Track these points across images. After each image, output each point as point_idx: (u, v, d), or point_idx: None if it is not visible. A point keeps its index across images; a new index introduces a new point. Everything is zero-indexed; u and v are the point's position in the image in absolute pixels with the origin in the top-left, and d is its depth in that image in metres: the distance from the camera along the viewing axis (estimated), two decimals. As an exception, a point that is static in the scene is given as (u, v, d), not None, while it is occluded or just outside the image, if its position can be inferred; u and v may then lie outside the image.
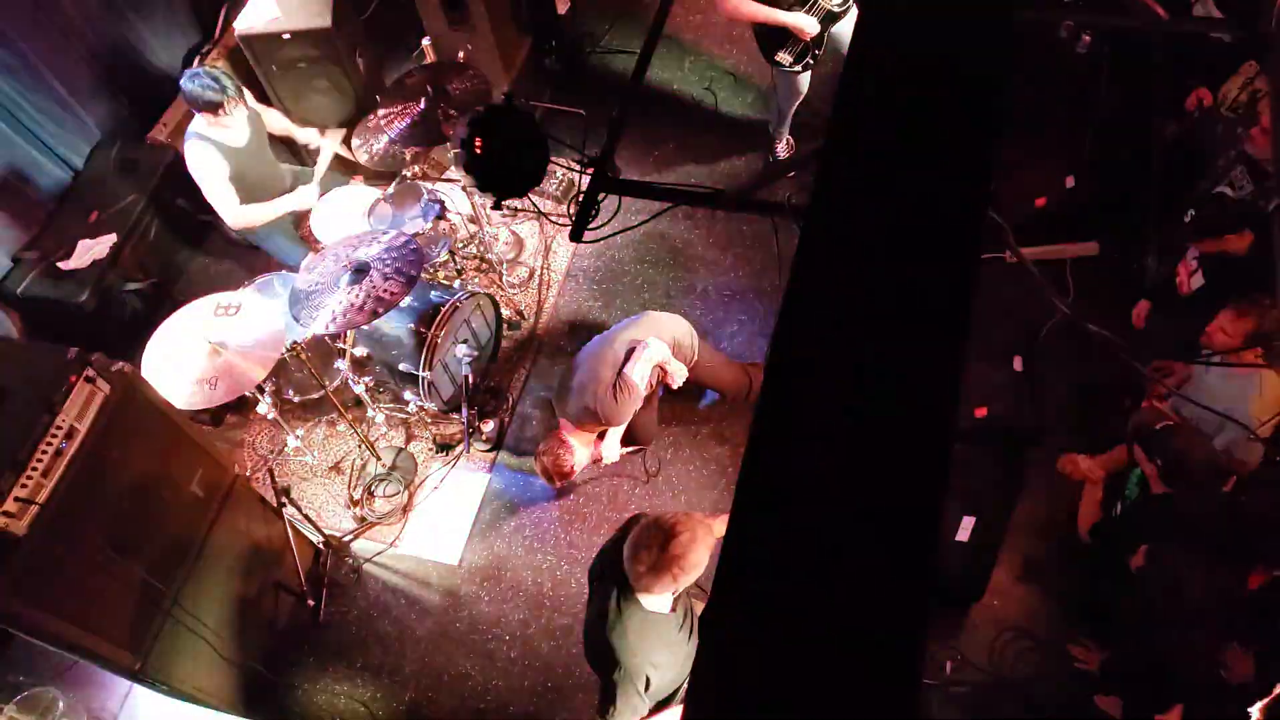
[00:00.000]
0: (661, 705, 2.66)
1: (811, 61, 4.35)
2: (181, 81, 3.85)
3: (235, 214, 4.06)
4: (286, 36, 4.58)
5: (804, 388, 1.38)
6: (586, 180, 2.00)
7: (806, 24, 4.08)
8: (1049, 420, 3.62)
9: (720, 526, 2.93)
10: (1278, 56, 1.87)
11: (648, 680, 2.51)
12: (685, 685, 2.69)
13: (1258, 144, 3.45)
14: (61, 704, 3.70)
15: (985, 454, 3.33)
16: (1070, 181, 4.08)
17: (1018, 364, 3.53)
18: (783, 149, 5.00)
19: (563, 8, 5.40)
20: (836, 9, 4.10)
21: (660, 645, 2.54)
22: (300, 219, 4.40)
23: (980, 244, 1.51)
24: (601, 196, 1.93)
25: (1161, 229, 3.88)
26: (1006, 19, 1.63)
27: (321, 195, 4.30)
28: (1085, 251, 3.80)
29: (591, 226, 1.94)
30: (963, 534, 3.39)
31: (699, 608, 2.75)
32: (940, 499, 1.26)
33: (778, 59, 4.32)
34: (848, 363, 1.39)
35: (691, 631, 2.68)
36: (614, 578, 2.54)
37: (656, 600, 2.51)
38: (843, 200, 1.55)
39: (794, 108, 4.74)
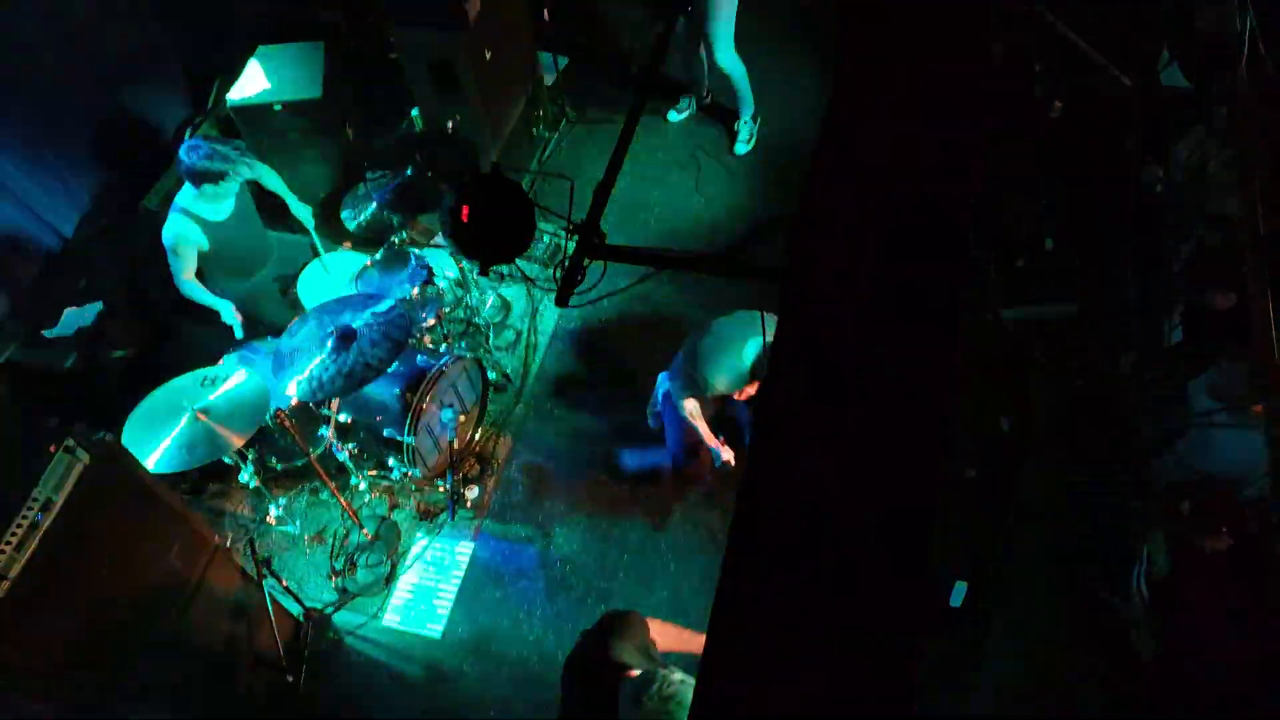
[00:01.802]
0: None
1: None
2: (180, 153, 3.87)
3: (180, 281, 4.07)
4: (278, 108, 4.65)
5: (791, 452, 1.37)
6: (573, 245, 2.01)
7: None
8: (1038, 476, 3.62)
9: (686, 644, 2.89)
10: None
11: None
12: None
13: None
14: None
15: (975, 515, 3.31)
16: (1049, 244, 4.15)
17: (1004, 425, 3.54)
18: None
19: (549, 79, 5.53)
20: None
21: None
22: (285, 285, 4.41)
23: (962, 304, 1.52)
24: (587, 261, 1.94)
25: (1142, 284, 3.93)
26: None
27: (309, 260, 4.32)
28: (1064, 311, 3.86)
29: (578, 290, 1.95)
30: (956, 598, 3.35)
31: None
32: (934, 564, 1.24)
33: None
34: (833, 428, 1.39)
35: None
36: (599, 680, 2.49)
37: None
38: (820, 266, 1.57)
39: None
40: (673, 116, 5.51)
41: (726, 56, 4.96)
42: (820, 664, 1.15)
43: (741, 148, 5.38)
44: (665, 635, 2.88)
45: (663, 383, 4.27)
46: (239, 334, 4.18)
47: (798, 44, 5.89)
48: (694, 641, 2.92)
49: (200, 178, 3.85)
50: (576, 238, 2.01)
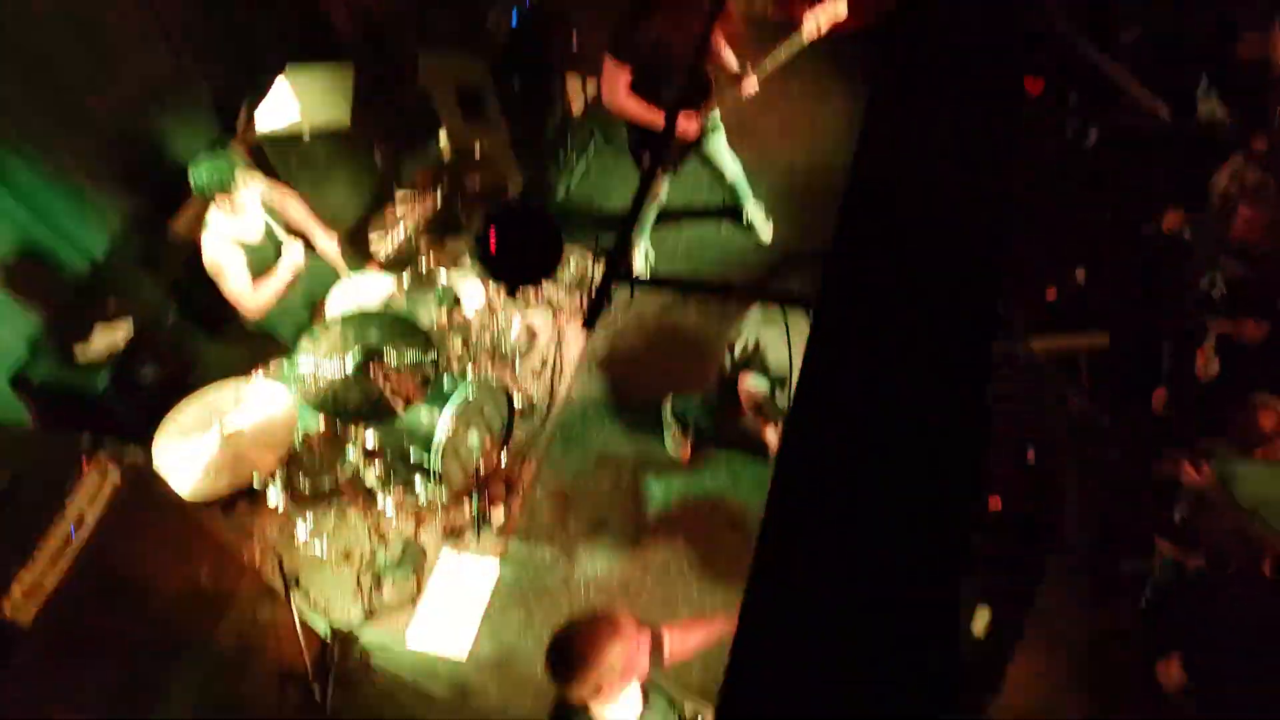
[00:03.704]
0: None
1: (672, 175, 4.48)
2: (189, 172, 3.96)
3: (252, 302, 4.12)
4: (306, 138, 4.74)
5: (817, 479, 1.37)
6: (600, 270, 2.04)
7: (685, 129, 4.17)
8: (1066, 511, 3.58)
9: (687, 640, 2.84)
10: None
11: None
12: None
13: (1248, 226, 3.48)
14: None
15: (1002, 544, 3.28)
16: (1081, 275, 4.12)
17: (1030, 456, 3.50)
18: (640, 258, 4.81)
19: (577, 107, 5.58)
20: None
21: None
22: (316, 309, 4.47)
23: (991, 339, 1.52)
24: (614, 287, 1.95)
25: (1174, 317, 3.90)
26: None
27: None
28: (1096, 343, 3.82)
29: (605, 315, 1.97)
30: (977, 626, 3.31)
31: (688, 711, 2.66)
32: (957, 592, 1.24)
33: (644, 158, 4.41)
34: (861, 455, 1.39)
35: None
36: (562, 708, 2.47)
37: (612, 710, 2.41)
38: (851, 298, 1.57)
39: (653, 214, 4.79)
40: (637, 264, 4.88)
41: (731, 165, 4.81)
42: (848, 673, 1.15)
43: (767, 233, 5.14)
44: (684, 640, 2.84)
45: (668, 413, 4.31)
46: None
47: (830, 70, 5.91)
48: (710, 634, 2.87)
49: (211, 191, 3.91)
50: (604, 261, 2.04)
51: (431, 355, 3.73)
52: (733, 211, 5.16)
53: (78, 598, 2.73)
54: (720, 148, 4.64)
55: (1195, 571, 3.06)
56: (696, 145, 4.27)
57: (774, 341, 3.65)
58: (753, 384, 3.76)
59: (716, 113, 4.39)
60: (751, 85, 4.07)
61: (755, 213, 5.10)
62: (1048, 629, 3.57)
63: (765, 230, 5.13)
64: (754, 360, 3.75)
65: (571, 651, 2.31)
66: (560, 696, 2.41)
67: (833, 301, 1.57)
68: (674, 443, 4.36)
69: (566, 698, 2.35)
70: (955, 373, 1.44)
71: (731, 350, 3.83)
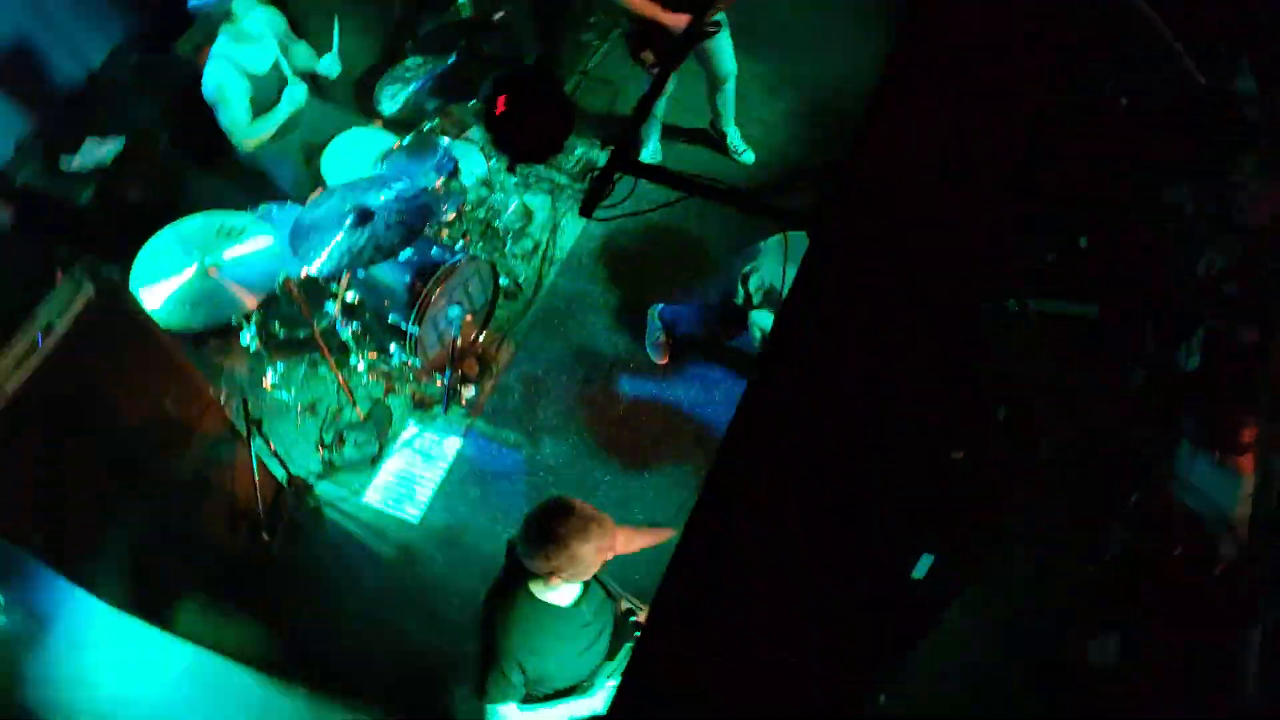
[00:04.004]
0: (560, 694, 2.62)
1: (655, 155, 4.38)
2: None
3: (246, 135, 4.01)
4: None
5: (782, 415, 1.36)
6: (605, 157, 1.98)
7: (679, 22, 4.01)
8: (1028, 471, 3.62)
9: (634, 541, 2.89)
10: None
11: (522, 666, 2.45)
12: (594, 683, 2.66)
13: (1259, 205, 3.41)
14: (1, 599, 3.66)
15: (957, 494, 3.33)
16: (1084, 241, 4.07)
17: (1001, 414, 3.52)
18: (649, 153, 4.83)
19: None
20: (708, 27, 4.08)
21: (545, 635, 2.48)
22: (311, 154, 4.35)
23: (980, 296, 1.50)
24: (617, 176, 1.90)
25: (1167, 299, 3.87)
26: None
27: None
28: (1085, 311, 3.80)
29: (604, 205, 1.92)
30: (919, 572, 3.39)
31: (622, 605, 2.72)
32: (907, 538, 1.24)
33: (641, 58, 4.28)
34: (834, 389, 1.37)
35: (602, 632, 2.63)
36: (515, 557, 2.50)
37: (551, 591, 2.45)
38: (850, 234, 1.53)
39: (662, 110, 4.71)
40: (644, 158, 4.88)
41: (728, 67, 4.65)
42: (776, 614, 1.15)
43: (750, 155, 5.06)
44: (631, 540, 2.90)
45: (656, 314, 4.28)
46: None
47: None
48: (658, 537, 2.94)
49: (214, 14, 3.75)
50: (610, 149, 1.98)
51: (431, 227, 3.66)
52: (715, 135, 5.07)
53: (37, 405, 2.72)
54: (725, 46, 4.49)
55: (1143, 554, 3.12)
56: (694, 40, 4.12)
57: (780, 281, 3.59)
58: (764, 324, 3.75)
59: (724, 13, 4.25)
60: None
61: (734, 136, 5.00)
62: (987, 588, 3.66)
63: (746, 155, 5.03)
64: (770, 298, 3.69)
65: (555, 527, 2.33)
66: (513, 562, 2.45)
67: (831, 231, 1.54)
68: (656, 347, 4.35)
69: (523, 564, 2.39)
70: (941, 323, 1.42)
71: (745, 282, 3.74)
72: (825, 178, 4.44)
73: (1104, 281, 3.85)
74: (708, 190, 1.82)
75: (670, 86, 4.48)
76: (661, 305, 4.33)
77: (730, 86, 4.73)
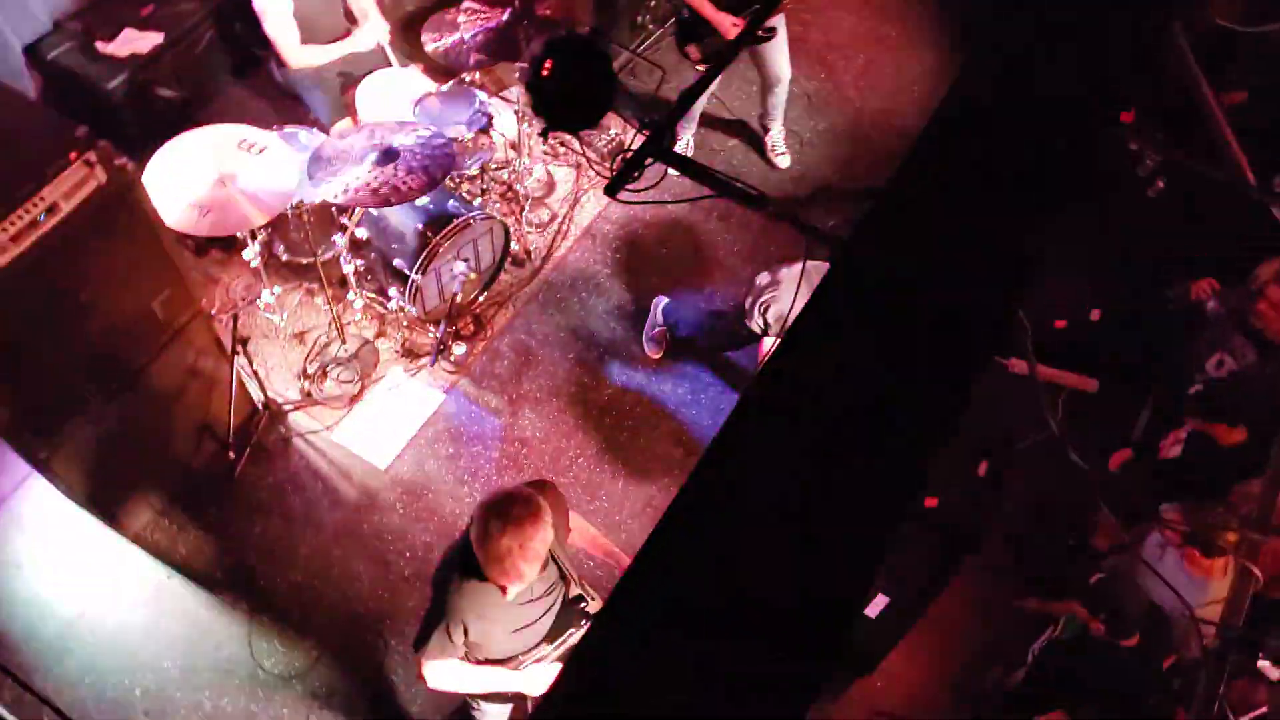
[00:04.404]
0: (493, 662, 2.62)
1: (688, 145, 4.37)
2: None
3: (295, 54, 3.98)
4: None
5: (772, 427, 1.35)
6: (639, 142, 1.95)
7: (726, 25, 4.01)
8: (994, 529, 3.63)
9: (586, 537, 2.89)
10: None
11: (466, 629, 2.45)
12: (528, 659, 2.65)
13: (1267, 318, 3.44)
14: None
15: (922, 541, 3.33)
16: (1096, 315, 4.07)
17: (983, 469, 3.52)
18: (681, 146, 4.84)
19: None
20: (762, 33, 4.10)
21: (493, 606, 2.47)
22: (347, 84, 4.32)
23: (994, 348, 1.48)
24: (649, 162, 1.87)
25: (1164, 389, 3.88)
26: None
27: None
28: (1085, 386, 3.80)
29: (629, 188, 1.89)
30: (872, 610, 3.39)
31: (573, 590, 2.71)
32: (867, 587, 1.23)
33: (686, 51, 4.28)
34: (820, 421, 1.36)
35: (549, 611, 2.62)
36: None
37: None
38: (875, 257, 1.52)
39: (700, 108, 4.69)
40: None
41: (783, 74, 4.64)
42: (730, 635, 1.13)
43: (785, 161, 5.04)
44: (584, 535, 2.91)
45: (659, 308, 4.27)
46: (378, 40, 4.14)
47: (929, 27, 5.67)
48: (607, 552, 2.94)
49: None
50: (646, 134, 1.95)
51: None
52: (759, 130, 5.05)
53: (26, 282, 2.68)
54: (779, 51, 4.48)
55: (1095, 636, 3.13)
56: (746, 45, 4.11)
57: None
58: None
59: (781, 18, 4.23)
60: None
61: (778, 135, 4.99)
62: (940, 633, 3.67)
63: (783, 158, 5.02)
64: (781, 330, 3.67)
65: (509, 521, 2.28)
66: (467, 543, 2.43)
67: (855, 261, 1.52)
68: (652, 340, 4.34)
69: (477, 551, 2.36)
70: (942, 367, 1.41)
71: (765, 310, 3.69)
72: (860, 204, 4.44)
73: (1109, 358, 3.86)
74: (737, 192, 1.79)
75: (713, 84, 4.46)
76: (667, 300, 4.32)
77: (782, 90, 4.73)
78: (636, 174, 1.91)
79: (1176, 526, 3.19)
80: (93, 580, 3.63)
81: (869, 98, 5.36)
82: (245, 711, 3.43)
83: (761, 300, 3.71)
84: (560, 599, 2.66)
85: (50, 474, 3.34)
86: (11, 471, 3.70)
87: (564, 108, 1.79)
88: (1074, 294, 4.21)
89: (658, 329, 4.31)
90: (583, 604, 2.70)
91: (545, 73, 1.76)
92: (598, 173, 4.66)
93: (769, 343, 3.88)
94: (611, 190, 1.94)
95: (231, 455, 3.82)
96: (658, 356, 4.35)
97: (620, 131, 4.87)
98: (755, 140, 5.12)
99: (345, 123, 4.25)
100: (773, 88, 4.70)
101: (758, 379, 1.42)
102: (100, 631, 3.53)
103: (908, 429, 1.36)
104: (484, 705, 2.84)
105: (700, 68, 4.27)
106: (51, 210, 2.67)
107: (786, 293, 3.63)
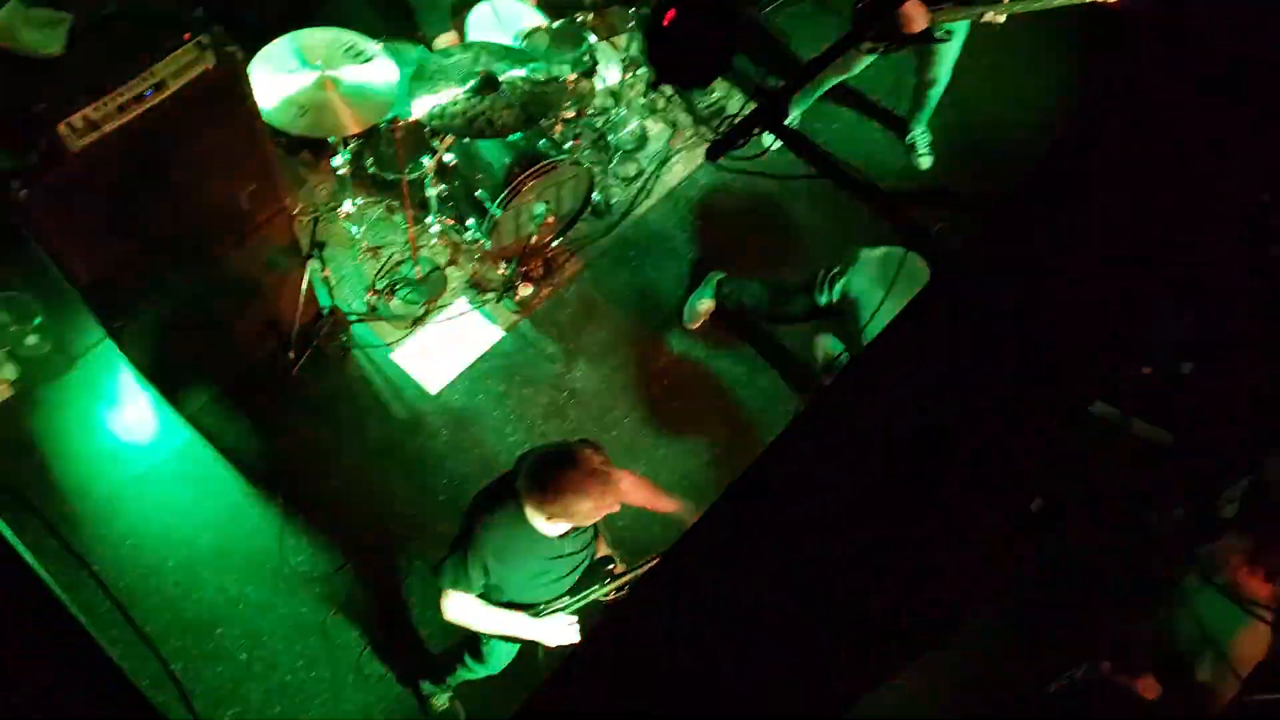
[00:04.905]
0: (511, 606, 2.65)
1: (878, 57, 4.13)
2: None
3: None
4: None
5: (839, 437, 1.31)
6: (750, 109, 1.90)
7: (918, 14, 3.76)
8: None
9: (641, 495, 2.88)
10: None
11: (486, 567, 2.48)
12: (546, 611, 2.67)
13: (1247, 584, 3.10)
14: (40, 318, 3.76)
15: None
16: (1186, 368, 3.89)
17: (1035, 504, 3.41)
18: (789, 122, 4.57)
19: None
20: (939, 35, 3.90)
21: (520, 552, 2.50)
22: (460, 6, 4.28)
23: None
24: (757, 131, 1.82)
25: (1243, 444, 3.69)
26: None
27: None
28: (1157, 439, 3.65)
29: (731, 154, 1.84)
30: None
31: (602, 550, 2.72)
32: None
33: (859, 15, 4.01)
34: (904, 432, 1.31)
35: (575, 569, 2.64)
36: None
37: (541, 520, 2.42)
38: (983, 278, 1.45)
39: (829, 84, 4.48)
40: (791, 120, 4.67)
41: (943, 78, 4.45)
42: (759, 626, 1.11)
43: (926, 162, 4.88)
44: (637, 490, 2.90)
45: (713, 281, 4.18)
46: None
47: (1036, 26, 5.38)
48: (660, 502, 2.94)
49: None
50: (758, 102, 1.89)
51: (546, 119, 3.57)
52: (901, 123, 4.86)
53: (125, 153, 2.73)
54: (949, 56, 4.28)
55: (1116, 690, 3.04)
56: (922, 39, 3.92)
57: (869, 302, 3.42)
58: (828, 346, 3.66)
59: (965, 23, 4.04)
60: (998, 15, 3.75)
61: (922, 136, 4.80)
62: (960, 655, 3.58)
63: (925, 159, 4.84)
64: (845, 309, 3.57)
65: (556, 479, 2.32)
66: (503, 483, 2.46)
67: (963, 273, 1.46)
68: (693, 310, 4.22)
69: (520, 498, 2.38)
70: (1030, 403, 1.34)
71: (831, 282, 3.60)
72: (967, 211, 4.26)
73: (1189, 414, 3.68)
74: (844, 176, 1.73)
75: (858, 68, 4.31)
76: (724, 275, 4.22)
77: (936, 93, 4.53)
78: (742, 140, 1.86)
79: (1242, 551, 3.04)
80: (146, 451, 3.76)
81: (985, 100, 5.14)
82: (267, 601, 3.54)
83: (834, 272, 3.62)
84: (589, 558, 2.66)
85: (121, 343, 3.44)
86: (86, 333, 3.83)
87: (679, 62, 1.74)
88: (1173, 340, 4.02)
89: (703, 301, 4.21)
90: (610, 565, 2.70)
91: (666, 23, 1.71)
92: (698, 135, 4.56)
93: (826, 338, 3.78)
94: (713, 154, 1.89)
95: (291, 355, 3.88)
96: (695, 328, 4.26)
97: (726, 93, 4.76)
98: (864, 129, 4.94)
99: (450, 36, 4.20)
100: (929, 88, 4.51)
101: (840, 378, 1.37)
102: (145, 500, 3.65)
103: (980, 465, 1.31)
104: (493, 643, 2.87)
105: (864, 50, 4.09)
106: (159, 87, 2.70)
107: (858, 272, 3.54)
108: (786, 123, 4.55)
